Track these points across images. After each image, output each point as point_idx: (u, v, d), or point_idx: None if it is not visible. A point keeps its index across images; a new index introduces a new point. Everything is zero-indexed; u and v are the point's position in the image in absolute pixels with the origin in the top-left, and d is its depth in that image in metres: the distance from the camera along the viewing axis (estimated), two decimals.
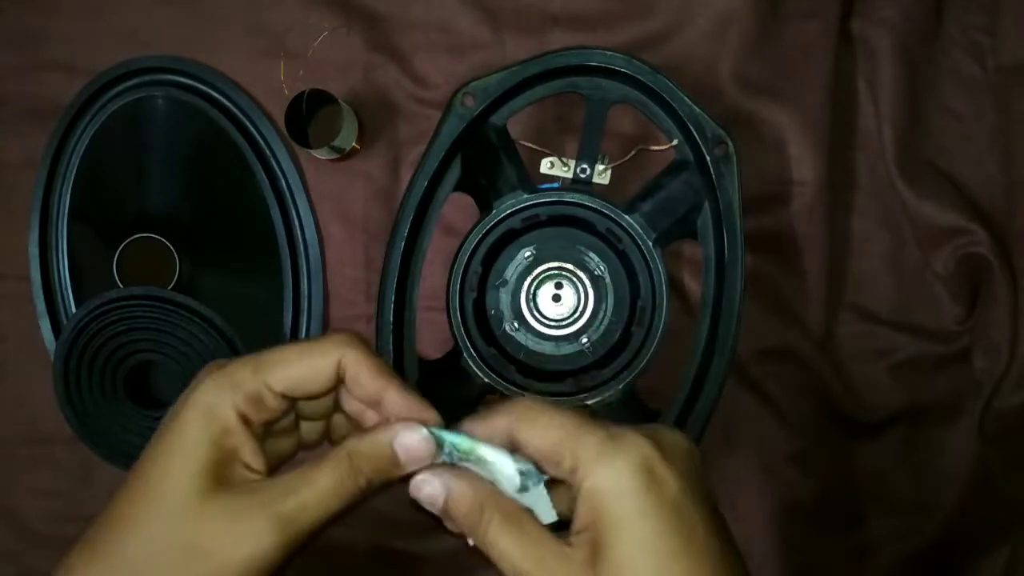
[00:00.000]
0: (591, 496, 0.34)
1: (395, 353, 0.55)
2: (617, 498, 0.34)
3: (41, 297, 0.70)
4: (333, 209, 0.69)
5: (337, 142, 0.65)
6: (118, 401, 0.65)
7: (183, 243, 0.67)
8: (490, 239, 0.55)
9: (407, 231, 0.56)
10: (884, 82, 0.66)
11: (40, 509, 0.69)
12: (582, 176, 0.56)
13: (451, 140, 0.55)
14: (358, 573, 0.67)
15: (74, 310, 0.69)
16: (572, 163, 0.56)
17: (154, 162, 0.69)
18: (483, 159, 0.56)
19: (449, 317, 0.55)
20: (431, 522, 0.40)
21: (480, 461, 0.37)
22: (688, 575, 0.33)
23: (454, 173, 0.56)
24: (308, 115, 0.66)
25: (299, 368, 0.38)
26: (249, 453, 0.37)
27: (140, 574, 0.35)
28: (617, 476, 0.34)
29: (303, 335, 0.68)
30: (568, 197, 0.55)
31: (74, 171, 0.70)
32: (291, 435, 0.41)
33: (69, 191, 0.70)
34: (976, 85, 0.67)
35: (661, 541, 0.33)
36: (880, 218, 0.67)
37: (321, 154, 0.67)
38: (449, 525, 0.38)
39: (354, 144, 0.68)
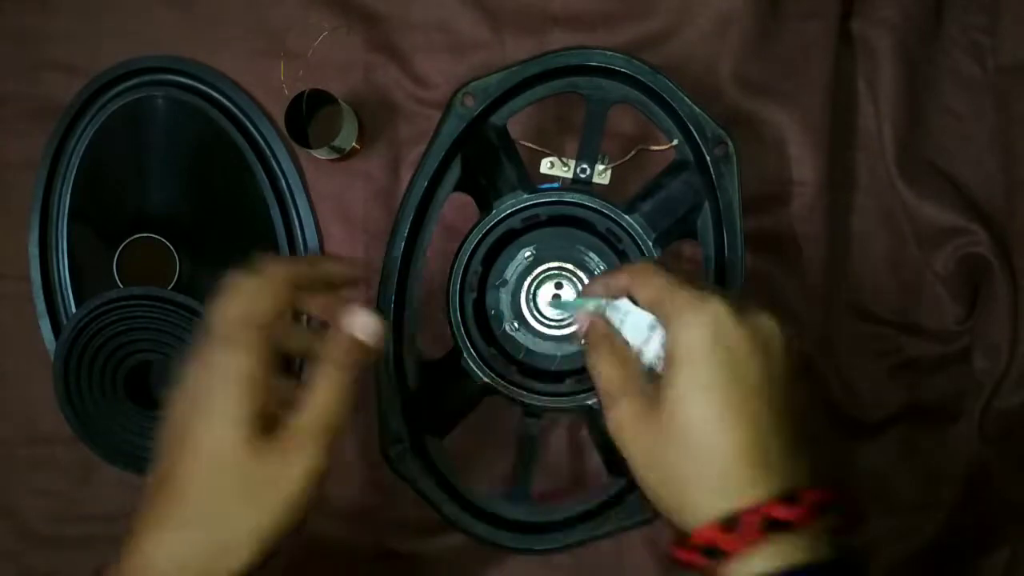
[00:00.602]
0: (672, 340, 0.41)
1: (395, 353, 0.55)
2: (686, 343, 0.41)
3: (41, 297, 0.70)
4: (333, 209, 0.69)
5: (337, 142, 0.65)
6: (118, 401, 0.65)
7: (183, 243, 0.67)
8: (490, 239, 0.55)
9: (407, 231, 0.56)
10: (884, 82, 0.66)
11: (40, 509, 0.69)
12: (582, 176, 0.56)
13: (451, 140, 0.55)
14: (360, 574, 0.67)
15: (74, 310, 0.69)
16: (572, 163, 0.56)
17: (154, 162, 0.69)
18: (483, 159, 0.56)
19: (449, 317, 0.55)
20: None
21: (618, 309, 0.46)
22: (736, 414, 0.39)
23: (454, 173, 0.56)
24: (308, 115, 0.66)
25: (269, 296, 0.44)
26: (273, 399, 0.42)
27: (221, 526, 0.40)
28: (690, 326, 0.41)
29: None
30: (568, 197, 0.55)
31: (74, 171, 0.70)
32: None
33: (69, 191, 0.70)
34: (976, 85, 0.67)
35: (716, 385, 0.40)
36: (880, 218, 0.67)
37: (321, 154, 0.67)
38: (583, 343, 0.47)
39: (354, 144, 0.68)
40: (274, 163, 0.69)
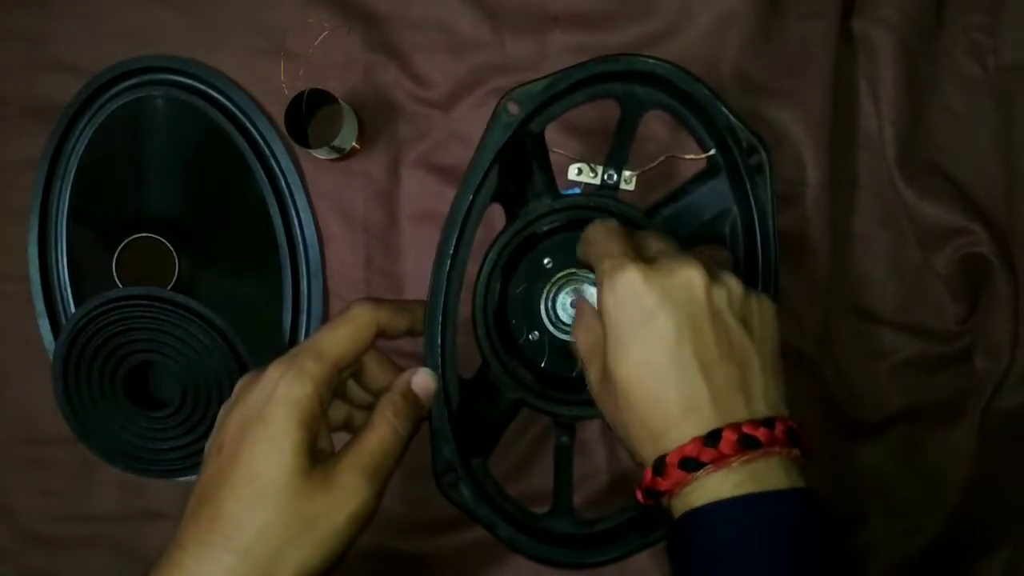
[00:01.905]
0: (600, 307, 0.45)
1: (443, 377, 0.54)
2: (605, 310, 0.44)
3: (40, 297, 0.70)
4: (333, 209, 0.69)
5: (337, 142, 0.65)
6: (117, 401, 0.65)
7: (182, 243, 0.67)
8: (512, 247, 0.55)
9: (452, 249, 0.54)
10: (885, 81, 0.66)
11: (39, 509, 0.70)
12: (609, 182, 0.56)
13: (496, 150, 0.54)
14: (360, 573, 0.67)
15: (73, 310, 0.69)
16: (600, 169, 0.56)
17: (153, 162, 0.69)
18: (517, 167, 0.56)
19: (476, 332, 0.55)
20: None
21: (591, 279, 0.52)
22: (652, 368, 0.42)
23: (491, 183, 0.55)
24: (308, 115, 0.66)
25: (350, 341, 0.46)
26: (325, 432, 0.45)
27: (264, 557, 0.40)
28: (605, 293, 0.43)
29: (303, 335, 0.68)
30: (589, 202, 0.55)
31: (73, 171, 0.69)
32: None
33: (68, 191, 0.70)
34: (977, 85, 0.67)
35: (633, 341, 0.42)
36: (881, 218, 0.67)
37: (321, 154, 0.66)
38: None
39: (354, 144, 0.68)
40: (274, 163, 0.69)
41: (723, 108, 0.54)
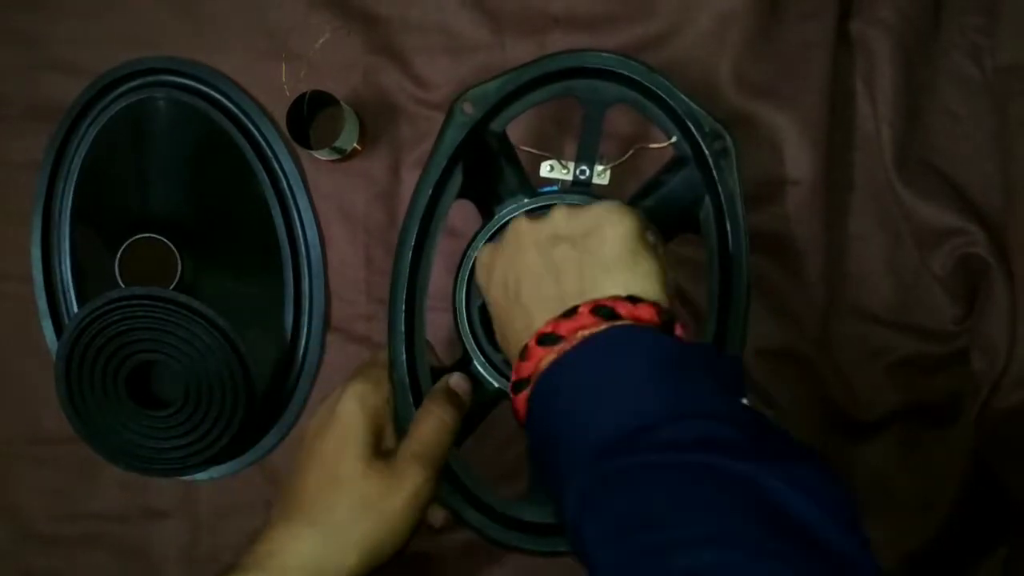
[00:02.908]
0: None
1: (408, 362, 0.55)
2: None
3: (43, 297, 0.70)
4: (334, 210, 0.69)
5: (338, 143, 0.65)
6: (120, 401, 0.65)
7: (185, 243, 0.67)
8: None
9: (413, 242, 0.56)
10: (882, 83, 0.66)
11: (42, 508, 0.70)
12: (582, 178, 0.56)
13: (452, 149, 0.55)
14: None
15: (76, 310, 0.69)
16: (572, 165, 0.56)
17: (156, 163, 0.69)
18: (484, 166, 0.56)
19: (457, 325, 0.55)
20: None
21: None
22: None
23: (456, 181, 0.56)
24: (309, 116, 0.67)
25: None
26: (391, 434, 0.51)
27: (335, 530, 0.46)
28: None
29: (304, 335, 0.69)
30: (567, 199, 0.55)
31: (76, 172, 0.70)
32: None
33: (71, 192, 0.70)
34: (974, 86, 0.67)
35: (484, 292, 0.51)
36: (878, 218, 0.67)
37: (322, 155, 0.67)
38: None
39: (355, 145, 0.68)
40: (275, 164, 0.69)
41: (683, 96, 0.54)
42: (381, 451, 0.49)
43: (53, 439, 0.69)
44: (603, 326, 0.42)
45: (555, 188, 0.56)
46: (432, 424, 0.50)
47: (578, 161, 0.56)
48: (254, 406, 0.66)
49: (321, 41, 0.69)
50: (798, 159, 0.66)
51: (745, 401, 0.41)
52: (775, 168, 0.66)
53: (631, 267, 0.45)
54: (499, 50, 0.68)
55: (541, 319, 0.44)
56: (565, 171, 0.56)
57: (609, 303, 0.43)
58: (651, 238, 0.47)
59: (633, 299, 0.43)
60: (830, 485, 0.35)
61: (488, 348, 0.55)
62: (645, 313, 0.43)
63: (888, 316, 0.67)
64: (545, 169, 0.57)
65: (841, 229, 0.67)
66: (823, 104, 0.66)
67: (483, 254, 0.51)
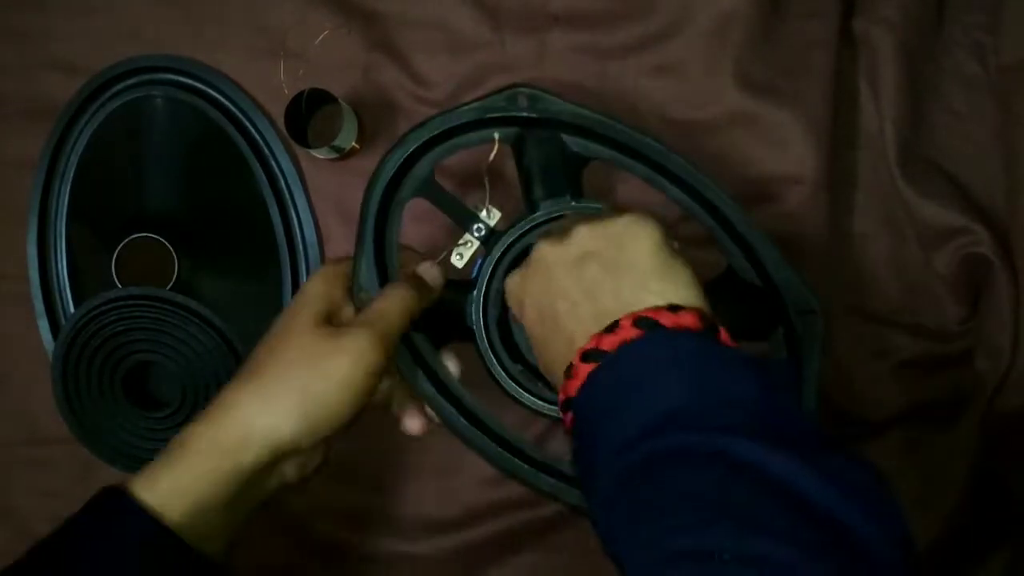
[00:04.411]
0: None
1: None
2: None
3: (40, 297, 0.69)
4: (333, 209, 0.69)
5: (337, 142, 0.65)
6: (116, 401, 0.65)
7: (182, 243, 0.67)
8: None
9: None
10: (886, 81, 0.66)
11: (39, 509, 0.69)
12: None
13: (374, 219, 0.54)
14: (358, 573, 0.67)
15: (72, 310, 0.69)
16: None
17: (153, 162, 0.69)
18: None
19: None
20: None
21: None
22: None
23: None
24: (308, 114, 0.66)
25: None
26: (347, 312, 0.52)
27: (274, 380, 0.48)
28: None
29: None
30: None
31: (73, 171, 0.69)
32: None
33: (68, 191, 0.69)
34: (978, 84, 0.67)
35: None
36: (881, 217, 0.67)
37: (321, 153, 0.66)
38: None
39: (353, 143, 0.67)
40: (273, 163, 0.69)
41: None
42: (336, 322, 0.51)
43: (50, 440, 0.69)
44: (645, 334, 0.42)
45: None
46: (390, 300, 0.51)
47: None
48: None
49: (320, 39, 0.69)
50: (801, 158, 0.66)
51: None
52: (778, 167, 0.66)
53: (666, 276, 0.44)
54: (499, 47, 0.68)
55: (583, 338, 0.44)
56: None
57: (651, 314, 0.42)
58: (676, 244, 0.46)
59: (673, 308, 0.43)
60: (870, 484, 0.36)
61: (507, 361, 0.55)
62: (688, 320, 0.42)
63: (891, 316, 0.67)
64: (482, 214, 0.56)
65: (844, 228, 0.67)
66: (826, 103, 0.66)
67: (512, 284, 0.50)
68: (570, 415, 0.44)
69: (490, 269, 0.54)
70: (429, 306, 0.53)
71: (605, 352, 0.42)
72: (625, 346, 0.42)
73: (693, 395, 0.39)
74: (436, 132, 0.55)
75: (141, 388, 0.67)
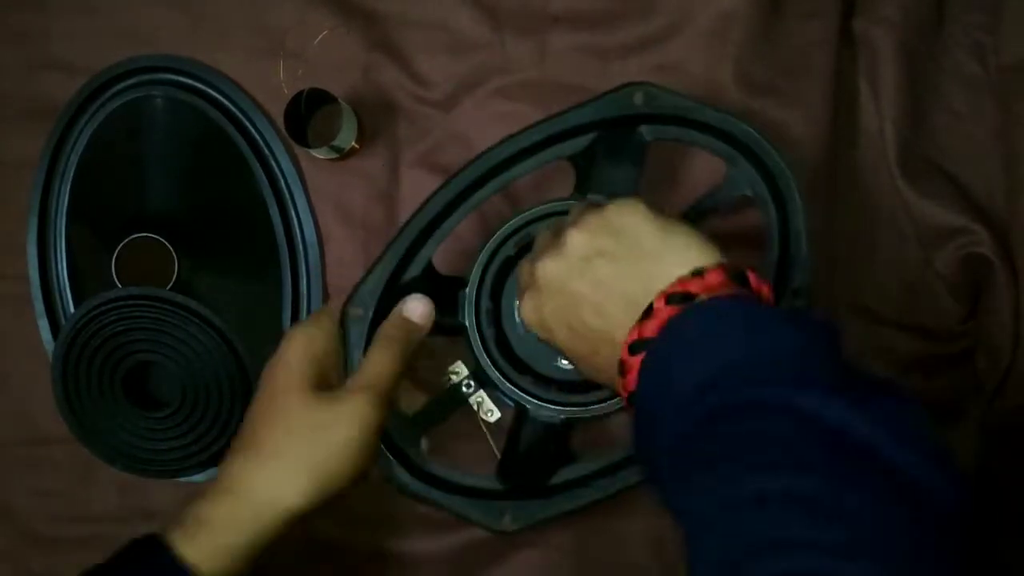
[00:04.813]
0: None
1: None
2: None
3: (40, 297, 0.69)
4: (332, 209, 0.69)
5: (336, 142, 0.65)
6: (116, 401, 0.65)
7: (182, 243, 0.67)
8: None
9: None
10: (886, 81, 0.66)
11: (39, 509, 0.69)
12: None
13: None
14: (360, 574, 0.67)
15: (73, 310, 0.69)
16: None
17: (153, 162, 0.69)
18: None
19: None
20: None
21: None
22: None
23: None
24: (307, 114, 0.66)
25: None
26: (337, 372, 0.53)
27: (283, 458, 0.49)
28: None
29: None
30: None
31: (73, 170, 0.69)
32: None
33: (68, 191, 0.69)
34: (978, 84, 0.67)
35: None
36: (881, 217, 0.67)
37: (320, 154, 0.66)
38: None
39: (353, 143, 0.67)
40: (273, 163, 0.69)
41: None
42: (328, 387, 0.51)
43: (50, 440, 0.69)
44: (681, 307, 0.42)
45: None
46: (379, 357, 0.51)
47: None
48: None
49: (319, 39, 0.69)
50: (801, 158, 0.65)
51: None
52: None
53: (675, 245, 0.44)
54: (499, 48, 0.68)
55: (623, 332, 0.43)
56: None
57: (679, 288, 0.42)
58: (665, 209, 0.46)
59: (698, 271, 0.43)
60: (909, 416, 0.36)
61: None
62: (715, 279, 0.42)
63: (891, 316, 0.67)
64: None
65: (844, 228, 0.67)
66: (826, 103, 0.66)
67: (527, 312, 0.49)
68: (633, 409, 0.44)
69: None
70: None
71: (650, 339, 0.42)
72: (667, 328, 0.42)
73: (744, 354, 0.39)
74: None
75: (141, 388, 0.66)
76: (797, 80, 0.66)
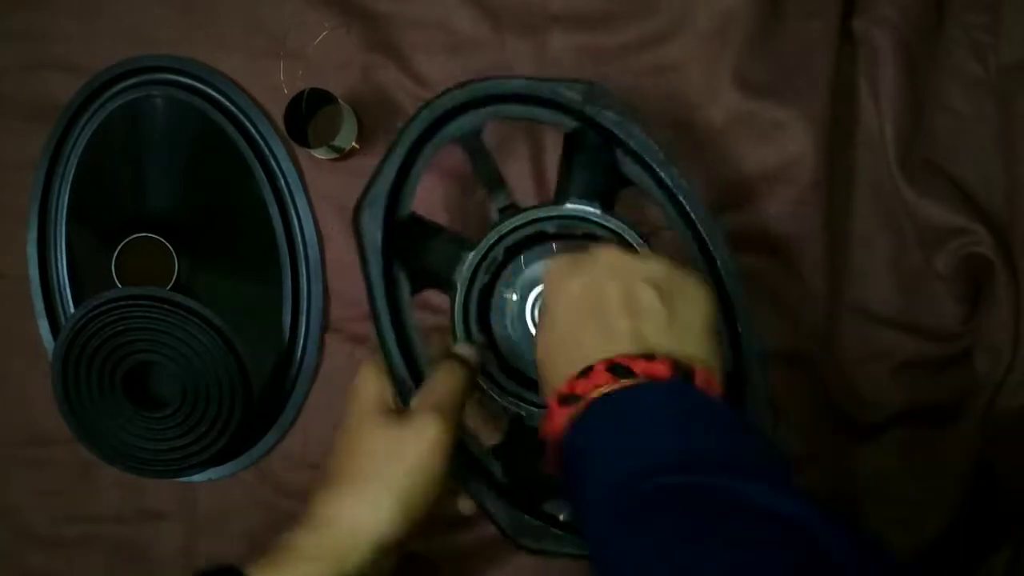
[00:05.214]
0: None
1: (402, 355, 0.56)
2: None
3: (40, 297, 0.69)
4: (332, 209, 0.69)
5: (336, 142, 0.65)
6: (116, 401, 0.65)
7: (182, 243, 0.67)
8: (473, 298, 0.56)
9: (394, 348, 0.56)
10: (885, 81, 0.66)
11: (39, 509, 0.70)
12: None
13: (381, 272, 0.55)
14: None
15: (72, 310, 0.69)
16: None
17: (153, 162, 0.69)
18: (412, 257, 0.56)
19: (451, 301, 0.55)
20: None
21: None
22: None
23: (404, 286, 0.56)
24: (308, 115, 0.66)
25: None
26: (395, 400, 0.54)
27: (365, 484, 0.50)
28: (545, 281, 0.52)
29: (302, 335, 0.68)
30: (517, 221, 0.55)
31: (73, 170, 0.69)
32: None
33: (68, 190, 0.70)
34: (977, 84, 0.67)
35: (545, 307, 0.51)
36: (881, 217, 0.67)
37: (320, 154, 0.66)
38: None
39: (353, 143, 0.67)
40: (273, 163, 0.69)
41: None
42: (395, 413, 0.53)
43: (50, 440, 0.69)
44: (619, 384, 0.44)
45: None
46: (443, 375, 0.52)
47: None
48: (252, 407, 0.66)
49: (319, 39, 0.69)
50: (800, 158, 0.65)
51: None
52: (777, 167, 0.66)
53: (705, 335, 0.46)
54: (499, 48, 0.68)
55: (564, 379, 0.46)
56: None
57: (629, 363, 0.44)
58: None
59: (651, 356, 0.44)
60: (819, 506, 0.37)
61: (504, 382, 0.56)
62: (664, 369, 0.44)
63: (891, 316, 0.67)
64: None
65: (843, 228, 0.67)
66: (826, 103, 0.66)
67: (562, 273, 0.50)
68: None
69: (495, 238, 0.54)
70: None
71: (578, 395, 0.44)
72: (599, 402, 0.44)
73: (676, 445, 0.41)
74: (501, 92, 0.57)
75: (141, 388, 0.67)
76: (796, 80, 0.66)
